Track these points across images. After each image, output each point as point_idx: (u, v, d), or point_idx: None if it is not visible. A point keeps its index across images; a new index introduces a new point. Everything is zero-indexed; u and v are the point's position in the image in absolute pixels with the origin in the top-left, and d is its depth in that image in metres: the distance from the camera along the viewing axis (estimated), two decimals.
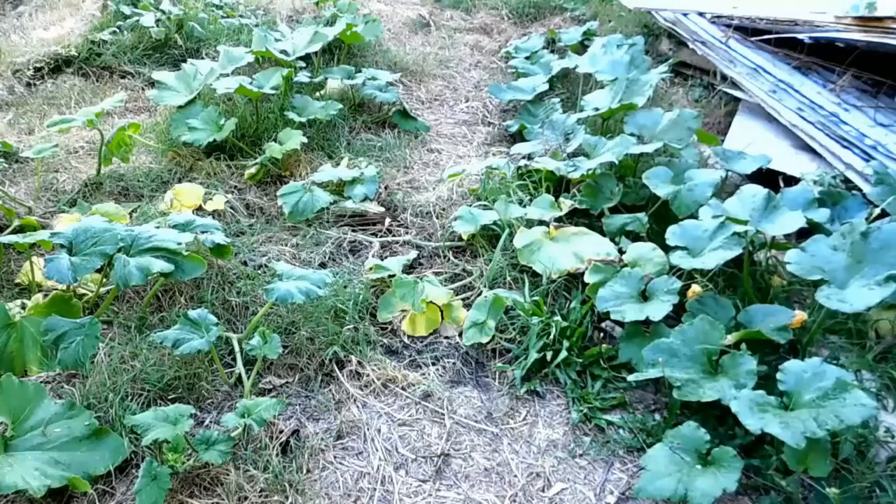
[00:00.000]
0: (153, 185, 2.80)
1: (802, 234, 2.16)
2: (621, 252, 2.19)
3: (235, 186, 2.84)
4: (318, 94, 3.55)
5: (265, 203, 2.78)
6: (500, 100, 3.77)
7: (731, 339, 1.78)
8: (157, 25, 3.93)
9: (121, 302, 2.16)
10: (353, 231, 2.64)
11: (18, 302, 2.02)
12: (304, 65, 3.52)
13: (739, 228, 1.96)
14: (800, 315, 1.84)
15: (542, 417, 1.89)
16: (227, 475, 1.61)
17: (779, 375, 1.61)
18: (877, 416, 1.64)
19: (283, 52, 3.46)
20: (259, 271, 2.34)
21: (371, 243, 2.57)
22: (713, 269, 1.96)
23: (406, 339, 2.14)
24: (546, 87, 3.59)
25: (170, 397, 1.83)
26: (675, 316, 1.95)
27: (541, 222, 2.41)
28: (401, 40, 4.72)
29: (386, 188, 2.87)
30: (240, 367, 1.91)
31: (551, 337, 2.01)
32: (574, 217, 2.52)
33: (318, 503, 1.61)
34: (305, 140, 2.95)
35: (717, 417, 1.76)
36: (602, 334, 2.12)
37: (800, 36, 3.63)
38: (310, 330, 2.05)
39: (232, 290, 2.21)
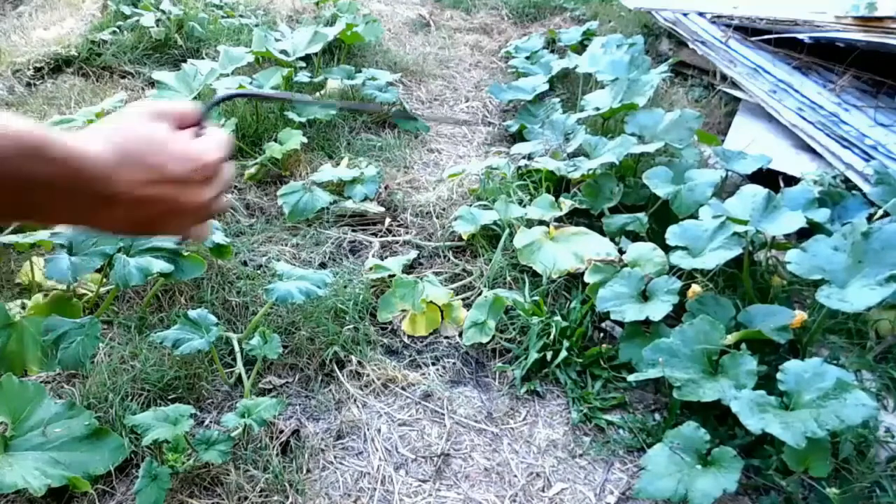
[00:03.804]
0: None
1: (802, 234, 2.16)
2: (621, 252, 2.19)
3: (235, 186, 2.84)
4: (318, 94, 3.55)
5: (265, 203, 2.78)
6: (500, 100, 3.77)
7: (731, 339, 1.78)
8: (157, 25, 3.93)
9: (121, 302, 2.16)
10: (353, 231, 2.64)
11: (18, 302, 2.02)
12: (304, 65, 3.51)
13: (739, 228, 1.96)
14: (800, 315, 1.84)
15: (542, 417, 1.89)
16: (227, 475, 1.61)
17: (779, 375, 1.61)
18: (877, 416, 1.64)
19: (283, 52, 3.46)
20: (259, 271, 2.34)
21: (371, 243, 2.57)
22: (713, 269, 1.96)
23: (406, 339, 2.14)
24: (546, 87, 3.59)
25: (170, 397, 1.83)
26: (675, 316, 1.95)
27: (541, 222, 2.41)
28: (401, 40, 4.72)
29: (386, 188, 2.86)
30: (240, 367, 1.91)
31: (551, 337, 2.01)
32: (574, 217, 2.52)
33: (318, 503, 1.61)
34: (305, 140, 2.94)
35: (718, 417, 1.76)
36: (602, 334, 2.12)
37: (800, 36, 3.63)
38: (310, 330, 2.05)
39: (232, 290, 2.21)
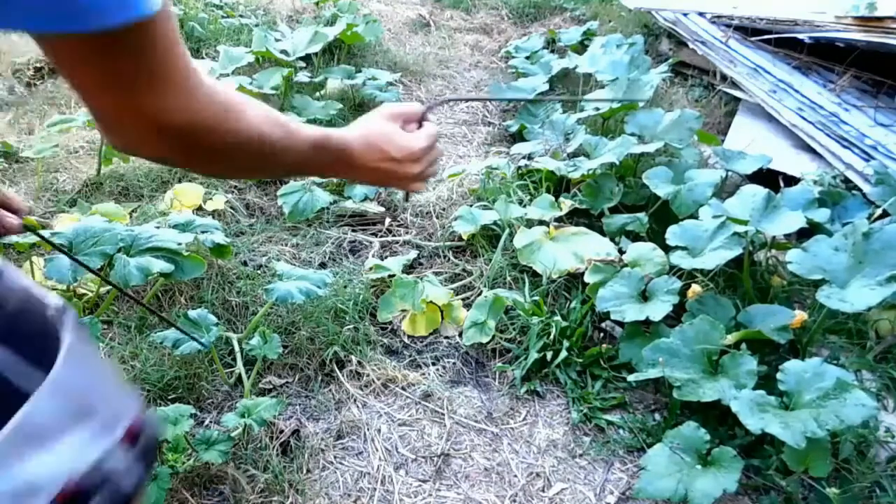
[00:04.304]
0: (153, 185, 2.79)
1: (802, 234, 2.16)
2: (621, 252, 2.19)
3: (235, 186, 2.84)
4: (318, 94, 3.55)
5: (265, 203, 2.78)
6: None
7: (731, 339, 1.78)
8: None
9: (121, 302, 2.16)
10: (353, 231, 2.64)
11: None
12: (304, 65, 3.52)
13: (740, 228, 1.96)
14: (800, 315, 1.84)
15: (542, 417, 1.89)
16: (227, 475, 1.61)
17: (779, 375, 1.61)
18: (877, 416, 1.64)
19: (283, 52, 3.46)
20: (259, 271, 2.34)
21: (371, 243, 2.57)
22: (713, 269, 1.96)
23: (406, 339, 2.14)
24: (546, 87, 3.59)
25: (170, 397, 1.83)
26: (675, 316, 1.95)
27: (541, 222, 2.41)
28: (401, 40, 4.72)
29: (386, 188, 2.87)
30: (240, 367, 1.91)
31: (551, 337, 2.01)
32: (574, 217, 2.52)
33: (318, 503, 1.61)
34: None
35: (718, 417, 1.76)
36: (602, 334, 2.12)
37: (800, 36, 3.64)
38: (310, 330, 2.05)
39: (232, 290, 2.21)
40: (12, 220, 1.03)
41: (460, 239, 2.54)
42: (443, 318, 2.17)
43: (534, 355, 1.98)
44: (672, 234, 2.07)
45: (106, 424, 0.72)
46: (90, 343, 0.78)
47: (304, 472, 1.68)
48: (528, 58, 4.20)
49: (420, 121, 1.00)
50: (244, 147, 0.73)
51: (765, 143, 2.90)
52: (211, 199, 2.66)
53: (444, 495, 1.66)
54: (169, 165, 0.77)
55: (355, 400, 1.91)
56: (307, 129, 0.83)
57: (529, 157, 2.88)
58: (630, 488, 1.68)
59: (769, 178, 2.63)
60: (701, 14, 4.23)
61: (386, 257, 2.44)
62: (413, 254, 2.46)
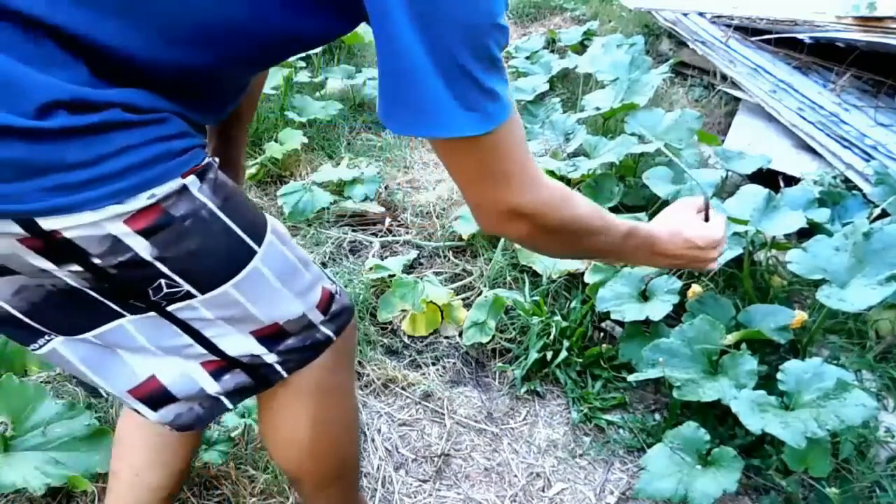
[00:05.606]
0: None
1: (802, 234, 2.16)
2: None
3: None
4: (318, 93, 3.55)
5: (265, 203, 2.78)
6: None
7: (731, 339, 1.78)
8: None
9: None
10: (353, 231, 2.64)
11: None
12: (304, 65, 3.52)
13: (740, 228, 1.96)
14: (800, 315, 1.84)
15: (542, 417, 1.89)
16: (227, 475, 1.61)
17: (779, 375, 1.61)
18: (877, 416, 1.65)
19: None
20: None
21: (371, 243, 2.57)
22: (713, 269, 1.96)
23: (406, 339, 2.14)
24: (546, 87, 3.59)
25: None
26: (675, 316, 1.95)
27: None
28: None
29: (386, 188, 2.87)
30: None
31: (551, 337, 2.01)
32: None
33: None
34: (305, 140, 2.94)
35: (718, 417, 1.76)
36: (602, 334, 2.12)
37: (800, 36, 3.64)
38: None
39: None
40: None
41: (460, 239, 2.54)
42: (443, 318, 2.17)
43: (534, 355, 1.98)
44: None
45: (308, 289, 0.91)
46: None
47: None
48: (528, 58, 4.19)
49: (706, 209, 1.21)
50: (573, 229, 0.93)
51: (765, 143, 2.90)
52: None
53: (445, 495, 1.66)
54: (518, 244, 0.99)
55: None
56: (619, 219, 1.04)
57: None
58: (630, 488, 1.68)
59: (769, 178, 2.63)
60: (701, 14, 4.23)
61: (386, 257, 2.44)
62: (413, 254, 2.46)
